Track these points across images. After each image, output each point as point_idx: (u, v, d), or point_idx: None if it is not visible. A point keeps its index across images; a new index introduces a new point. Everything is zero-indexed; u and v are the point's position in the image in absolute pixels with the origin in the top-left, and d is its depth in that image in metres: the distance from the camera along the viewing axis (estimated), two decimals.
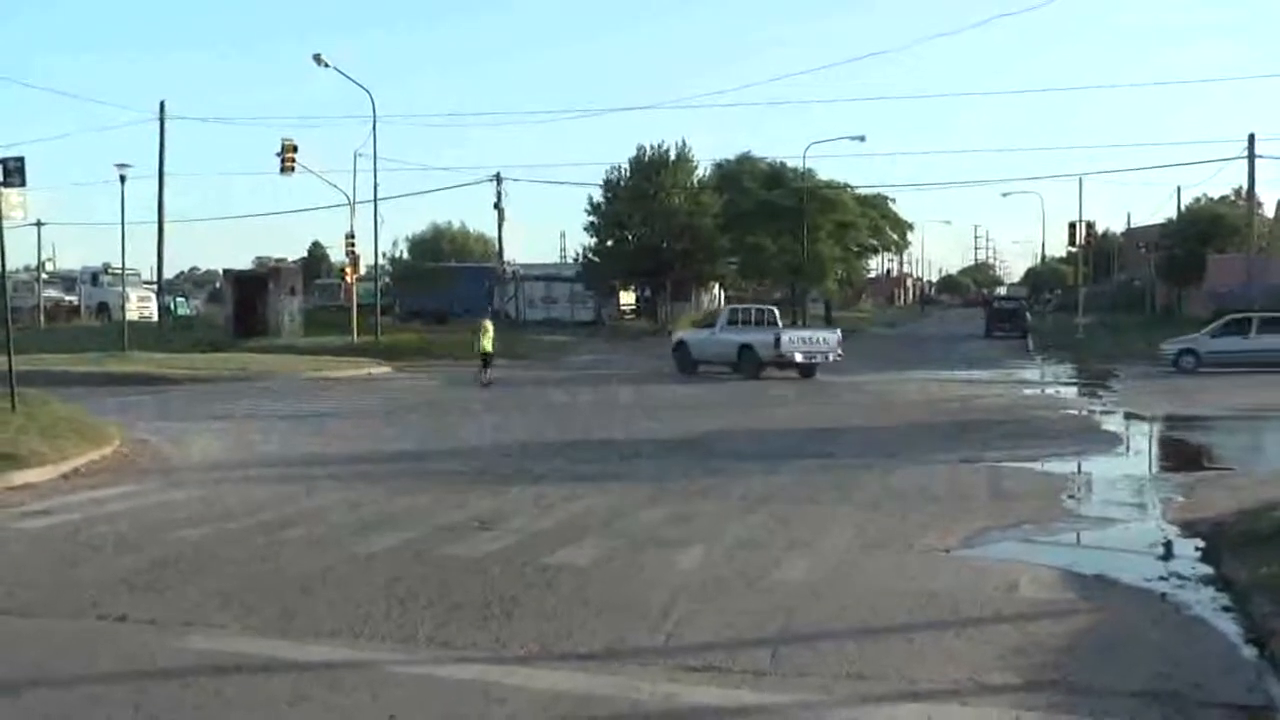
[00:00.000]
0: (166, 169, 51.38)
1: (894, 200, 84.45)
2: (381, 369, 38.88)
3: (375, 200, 51.89)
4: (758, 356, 33.89)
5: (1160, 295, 75.63)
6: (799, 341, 34.78)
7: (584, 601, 8.85)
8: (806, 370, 34.22)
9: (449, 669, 7.25)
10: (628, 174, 66.88)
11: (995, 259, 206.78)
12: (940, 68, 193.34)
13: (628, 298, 70.91)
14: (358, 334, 49.15)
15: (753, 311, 37.96)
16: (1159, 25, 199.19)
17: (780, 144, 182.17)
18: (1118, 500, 13.95)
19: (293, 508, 13.12)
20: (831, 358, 34.67)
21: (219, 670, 7.20)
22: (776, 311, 38.49)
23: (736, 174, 74.45)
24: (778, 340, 33.94)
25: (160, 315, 57.23)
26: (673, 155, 67.13)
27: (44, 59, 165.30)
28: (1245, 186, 63.22)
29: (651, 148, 67.16)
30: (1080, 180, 64.38)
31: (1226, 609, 8.76)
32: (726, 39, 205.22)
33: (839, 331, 38.15)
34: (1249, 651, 7.68)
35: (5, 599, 9.06)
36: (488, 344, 32.08)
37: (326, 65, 49.00)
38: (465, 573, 9.77)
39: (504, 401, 27.19)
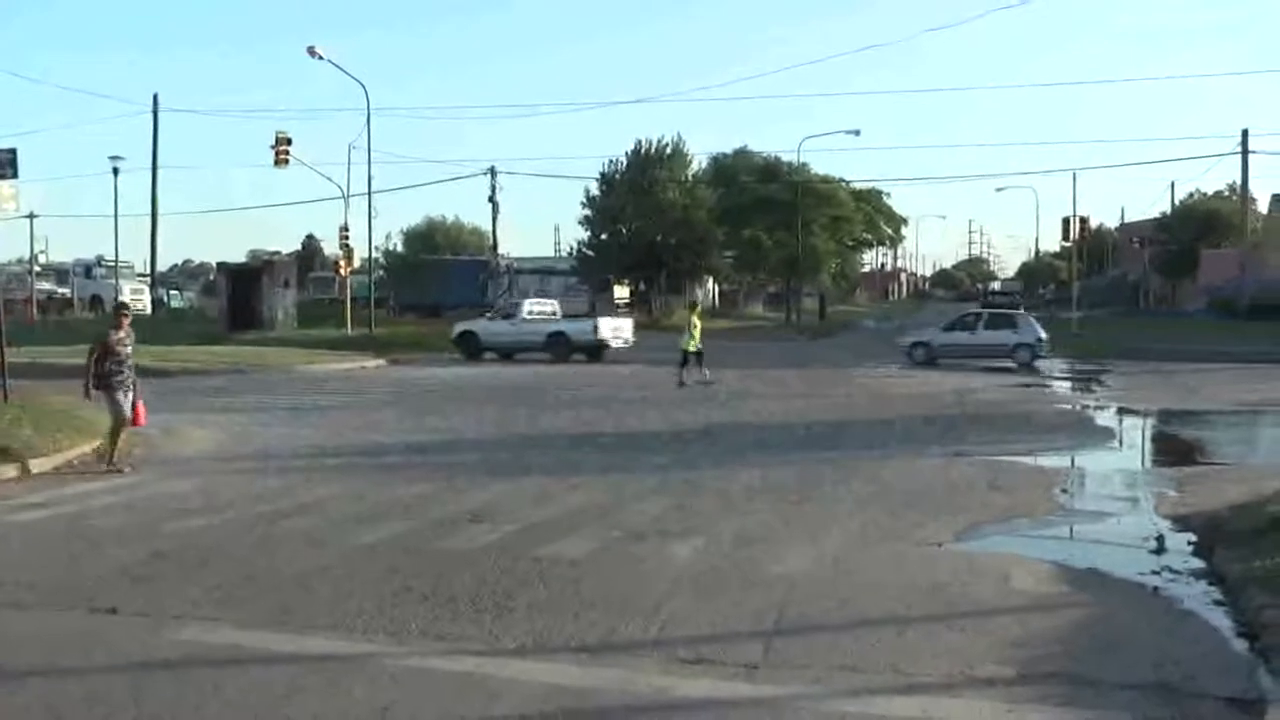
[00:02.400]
0: (160, 162, 51.44)
1: (889, 194, 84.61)
2: (376, 362, 38.84)
3: (369, 193, 51.93)
4: (571, 341, 39.25)
5: (1154, 290, 75.68)
6: (610, 328, 40.49)
7: (578, 594, 8.86)
8: (594, 352, 39.43)
9: (443, 662, 7.25)
10: (624, 168, 66.93)
11: (989, 253, 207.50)
12: (936, 64, 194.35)
13: (621, 291, 70.96)
14: (352, 327, 49.15)
15: (550, 305, 43.88)
16: (1154, 23, 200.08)
17: (777, 139, 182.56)
18: (1110, 494, 13.98)
19: (286, 500, 13.11)
20: (627, 342, 40.23)
21: (213, 663, 7.21)
22: (557, 304, 44.36)
23: (732, 168, 74.54)
24: (596, 328, 39.98)
25: (153, 308, 57.16)
26: (669, 150, 67.19)
27: (43, 56, 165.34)
28: (1238, 182, 63.38)
29: (649, 142, 67.24)
30: (1074, 175, 65.06)
31: (1219, 602, 8.78)
32: (726, 39, 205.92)
33: (631, 321, 44.09)
34: (1241, 645, 7.70)
35: None
36: (692, 341, 29.33)
37: (321, 58, 48.97)
38: (459, 566, 9.77)
39: (499, 394, 27.16)
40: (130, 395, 15.59)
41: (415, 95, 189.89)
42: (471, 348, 40.56)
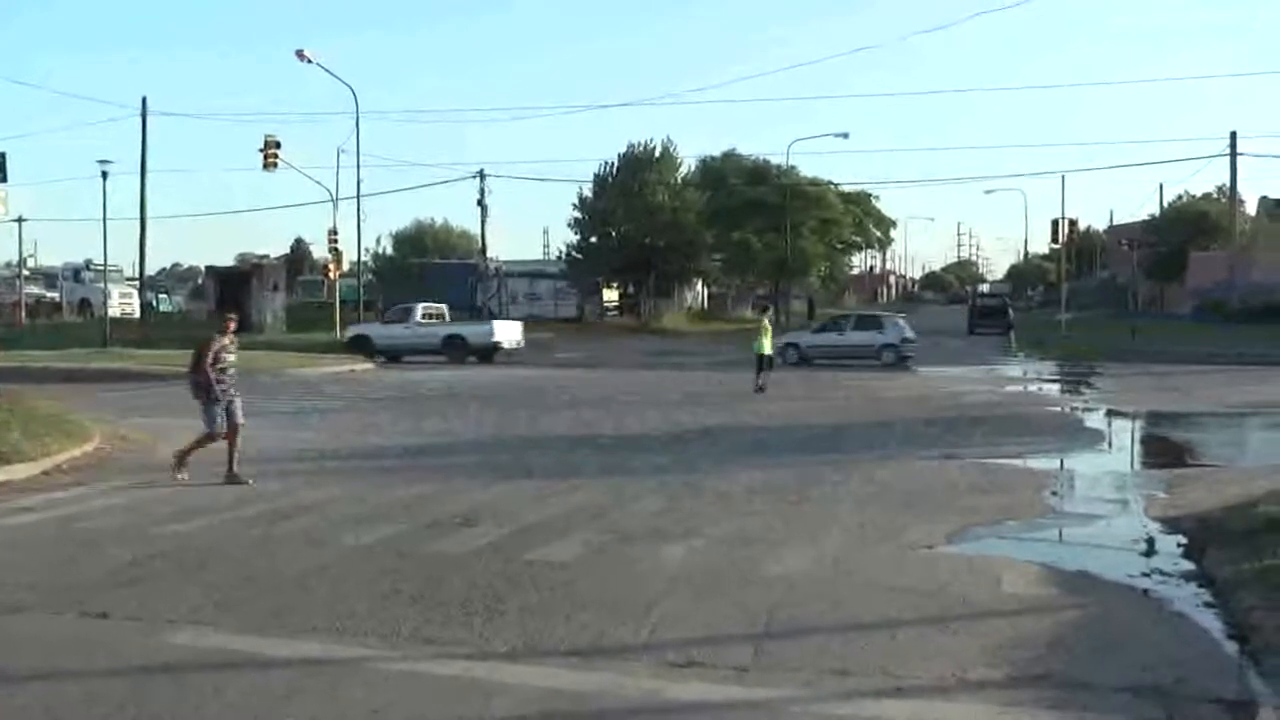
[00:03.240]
0: (150, 166, 51.28)
1: (878, 197, 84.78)
2: (364, 365, 38.82)
3: (358, 196, 51.95)
4: (468, 344, 40.90)
5: (1143, 292, 75.82)
6: (505, 331, 42.52)
7: (569, 597, 8.85)
8: (488, 354, 40.81)
9: (433, 666, 7.24)
10: (615, 171, 67.01)
11: (978, 256, 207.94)
12: (925, 67, 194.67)
13: (611, 294, 70.99)
14: (341, 330, 49.07)
15: (440, 309, 45.08)
16: (1143, 26, 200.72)
17: (769, 141, 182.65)
18: (1101, 496, 14.00)
19: (276, 503, 13.08)
20: (519, 345, 42.62)
21: (206, 667, 7.19)
22: (445, 308, 45.63)
23: (721, 171, 74.63)
24: (492, 330, 41.99)
25: (142, 312, 57.04)
26: (658, 153, 67.24)
27: (39, 58, 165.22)
28: (1227, 184, 63.55)
29: (639, 145, 67.32)
30: (1063, 178, 65.09)
31: (1209, 604, 8.80)
32: (725, 39, 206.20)
33: (520, 324, 45.42)
34: (1231, 646, 7.72)
35: None
36: (766, 345, 28.76)
37: (310, 61, 48.94)
38: (451, 569, 9.75)
39: (494, 395, 27.15)
40: (230, 406, 14.63)
41: (414, 96, 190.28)
42: (365, 351, 41.41)
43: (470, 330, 42.26)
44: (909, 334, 40.25)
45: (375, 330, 43.33)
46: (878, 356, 38.84)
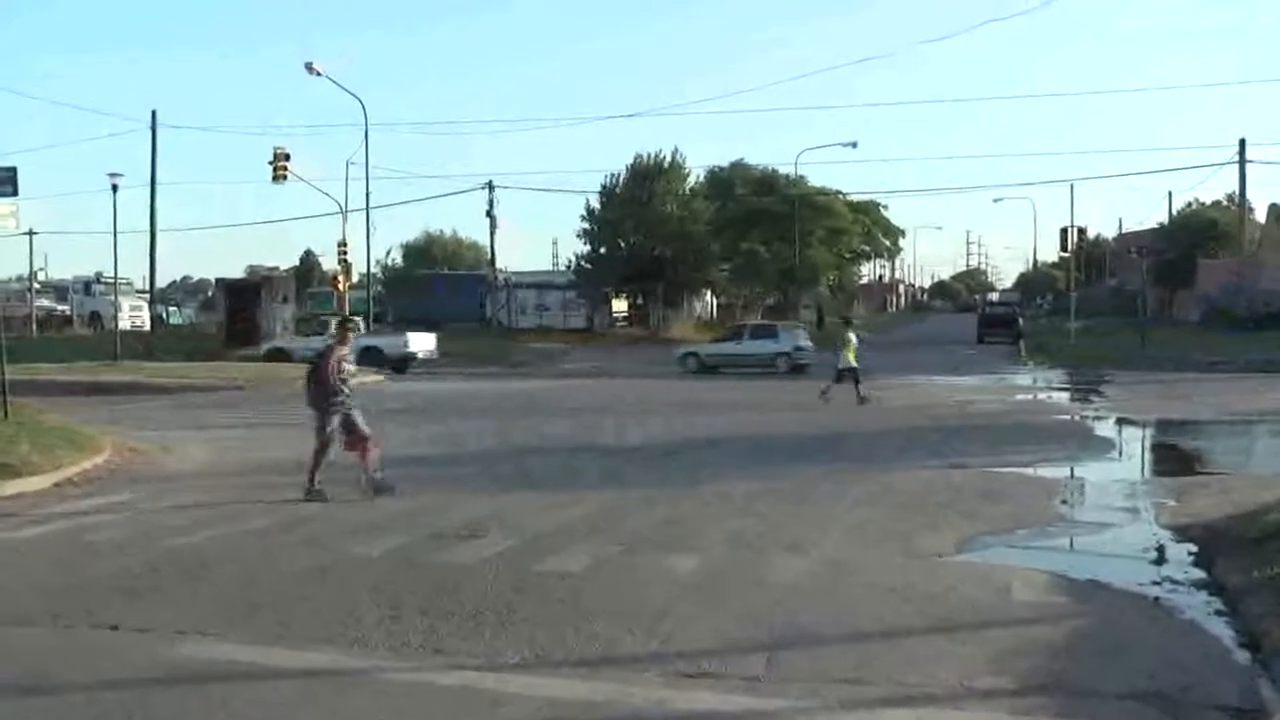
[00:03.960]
0: (159, 178, 51.40)
1: (886, 206, 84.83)
2: (374, 376, 38.80)
3: (367, 208, 52.04)
4: (384, 355, 41.43)
5: (1152, 299, 75.65)
6: (418, 343, 44.02)
7: (578, 607, 8.86)
8: (401, 365, 41.69)
9: (442, 676, 7.25)
10: (622, 182, 67.06)
11: (987, 264, 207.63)
12: (932, 75, 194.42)
13: (620, 305, 71.02)
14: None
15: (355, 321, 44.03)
16: (1150, 32, 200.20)
17: (774, 149, 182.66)
18: (1110, 505, 13.97)
19: (286, 514, 13.10)
20: (432, 355, 44.05)
21: (215, 678, 7.20)
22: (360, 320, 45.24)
23: (729, 181, 74.69)
24: (406, 342, 43.36)
25: (153, 324, 57.13)
26: (666, 163, 67.30)
27: (38, 60, 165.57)
28: (1236, 191, 63.44)
29: (648, 156, 67.37)
30: (1072, 186, 64.75)
31: (1219, 613, 8.78)
32: (725, 41, 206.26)
33: (434, 336, 46.58)
34: (1242, 655, 7.70)
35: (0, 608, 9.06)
36: (851, 356, 28.50)
37: (319, 74, 49.01)
38: (459, 579, 9.76)
39: (496, 406, 27.17)
40: (349, 416, 14.19)
41: (414, 98, 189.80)
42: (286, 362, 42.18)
43: (385, 342, 43.34)
44: (802, 343, 41.58)
45: (294, 343, 43.99)
46: (773, 364, 40.10)
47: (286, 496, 14.23)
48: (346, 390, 14.20)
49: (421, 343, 44.22)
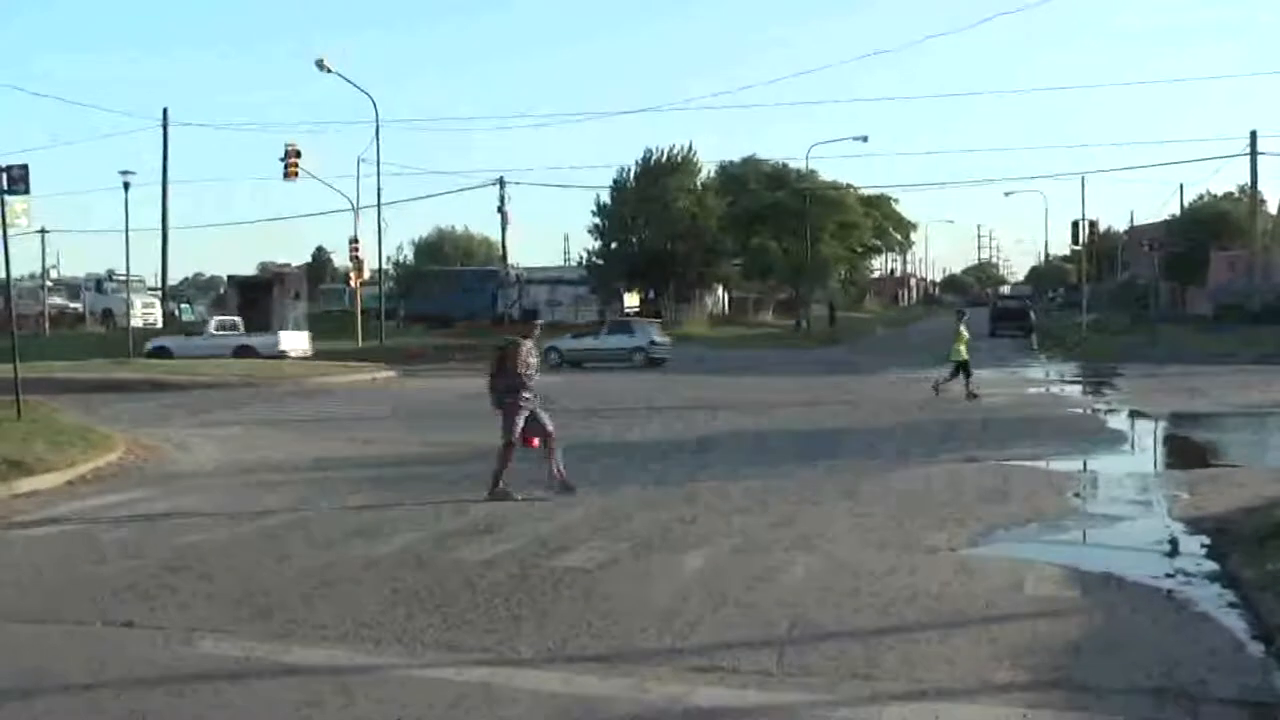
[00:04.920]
0: (170, 175, 51.52)
1: (897, 200, 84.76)
2: (387, 373, 38.90)
3: (379, 205, 52.07)
4: (258, 354, 42.54)
5: (1164, 293, 75.46)
6: (290, 341, 45.06)
7: (590, 603, 8.87)
8: (280, 356, 42.79)
9: (457, 672, 7.25)
10: (634, 177, 67.08)
11: (998, 258, 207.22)
12: (942, 68, 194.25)
13: (632, 300, 71.02)
14: (363, 339, 49.22)
15: (234, 320, 47.75)
16: (1160, 24, 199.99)
17: (784, 145, 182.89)
18: (1123, 498, 13.94)
19: (299, 512, 13.13)
20: (306, 353, 44.68)
21: (229, 675, 7.22)
22: (240, 320, 48.23)
23: (741, 176, 74.63)
24: (279, 340, 44.40)
25: (165, 322, 57.27)
26: (679, 159, 67.29)
27: (44, 59, 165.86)
28: (1248, 184, 63.26)
29: (658, 151, 67.37)
30: (1083, 179, 64.37)
31: (1233, 605, 8.75)
32: (728, 38, 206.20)
33: (307, 334, 47.58)
34: (1255, 648, 7.68)
35: (12, 605, 9.09)
36: (963, 349, 27.95)
37: (329, 71, 49.06)
38: (471, 576, 9.78)
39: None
40: (534, 414, 13.75)
41: (416, 96, 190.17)
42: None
43: (259, 341, 44.56)
44: (657, 338, 43.24)
45: (175, 342, 45.21)
46: (629, 358, 41.74)
47: (299, 493, 14.25)
48: (531, 387, 13.77)
49: (294, 341, 45.44)
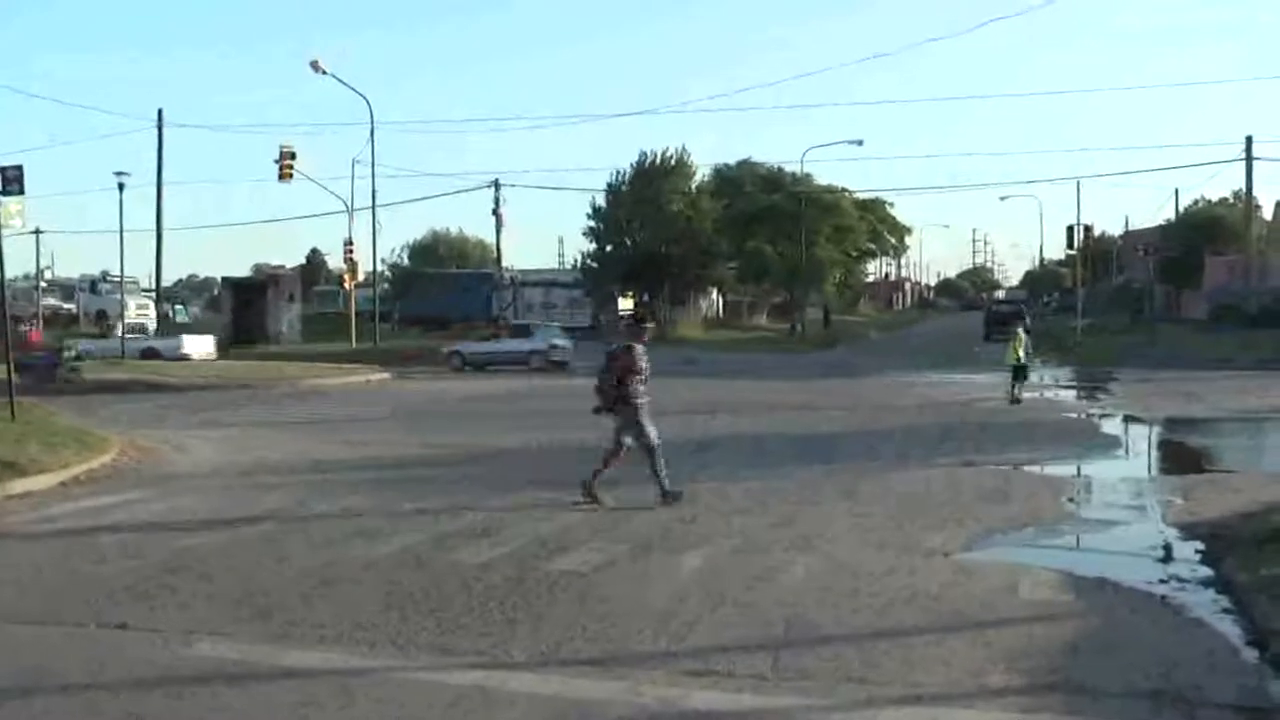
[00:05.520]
0: (165, 176, 51.46)
1: (892, 204, 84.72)
2: (381, 375, 38.90)
3: (374, 207, 52.05)
4: (162, 356, 42.83)
5: (1159, 297, 75.54)
6: (193, 345, 45.17)
7: (586, 606, 8.87)
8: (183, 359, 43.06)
9: (452, 675, 7.25)
10: (629, 179, 67.06)
11: (993, 262, 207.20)
12: (937, 72, 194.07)
13: (626, 303, 71.00)
14: (357, 340, 49.22)
15: (141, 323, 49.34)
16: (1155, 27, 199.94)
17: (780, 148, 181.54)
18: (1117, 503, 13.96)
19: (294, 514, 13.13)
20: (210, 356, 44.71)
21: (224, 677, 7.21)
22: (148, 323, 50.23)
23: (736, 179, 74.61)
24: (181, 344, 44.63)
25: (159, 323, 57.21)
26: (673, 161, 67.27)
27: (43, 59, 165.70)
28: (1243, 188, 63.32)
29: (653, 153, 67.35)
30: (1078, 184, 64.63)
31: (1227, 611, 8.76)
32: (725, 39, 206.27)
33: (212, 338, 47.66)
34: (1250, 653, 7.69)
35: (8, 607, 9.07)
36: (1020, 354, 27.96)
37: (325, 73, 49.05)
38: (467, 579, 9.77)
39: (504, 406, 27.19)
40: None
41: (414, 96, 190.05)
42: None
43: (163, 344, 45.32)
44: (557, 341, 44.15)
45: (94, 345, 45.20)
46: (527, 361, 42.42)
47: (295, 495, 14.25)
48: (643, 392, 13.46)
49: (198, 345, 45.65)
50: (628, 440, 13.49)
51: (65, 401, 24.86)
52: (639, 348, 13.61)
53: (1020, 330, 29.04)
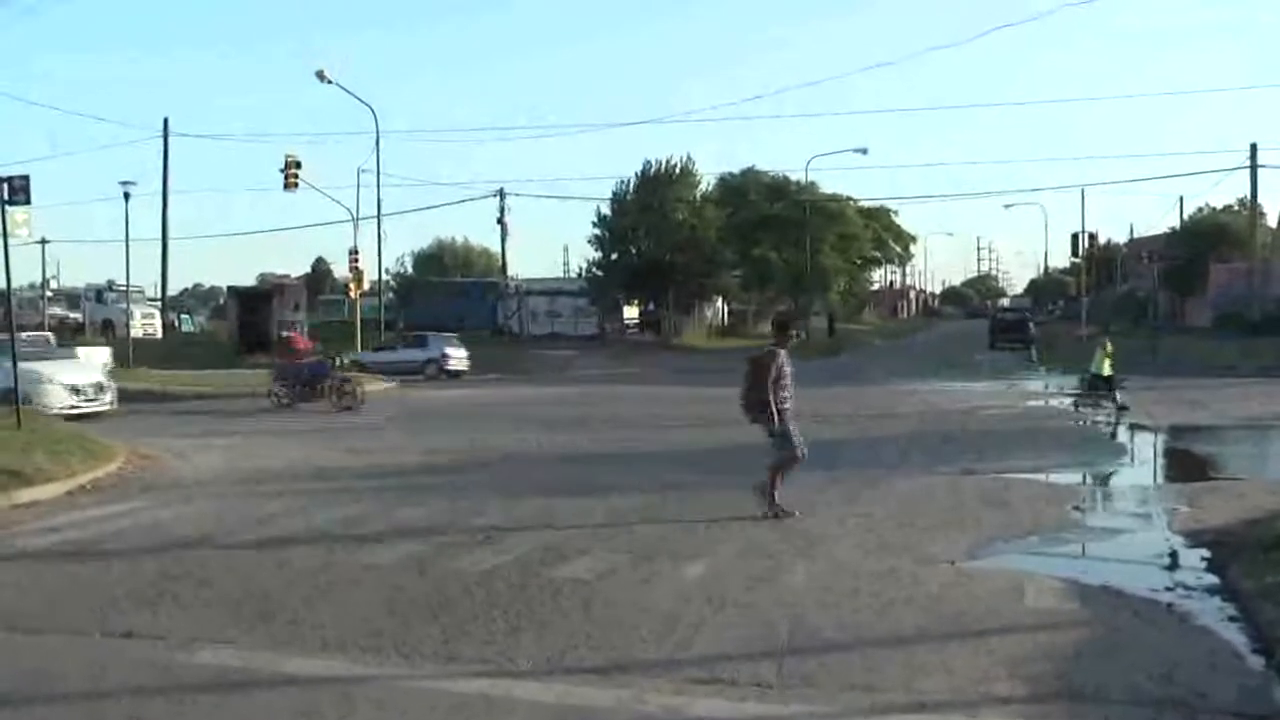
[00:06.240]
0: (170, 185, 51.54)
1: (896, 212, 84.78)
2: (386, 384, 38.89)
3: (379, 216, 52.08)
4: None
5: (1163, 304, 75.47)
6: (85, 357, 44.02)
7: (590, 614, 8.86)
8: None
9: (456, 683, 7.26)
10: (633, 188, 67.11)
11: (998, 270, 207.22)
12: (941, 79, 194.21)
13: (631, 311, 71.02)
14: (362, 349, 49.21)
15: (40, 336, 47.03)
16: (1158, 32, 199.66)
17: (784, 156, 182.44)
18: (1123, 510, 13.96)
19: (298, 522, 13.13)
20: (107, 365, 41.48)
21: (227, 686, 7.22)
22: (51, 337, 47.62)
23: (741, 187, 74.65)
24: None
25: (164, 332, 57.27)
26: (677, 170, 67.32)
27: (43, 59, 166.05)
28: (1248, 196, 63.31)
29: (657, 162, 67.42)
30: (1083, 191, 64.56)
31: (1233, 618, 8.75)
32: (727, 40, 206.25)
33: (109, 350, 43.07)
34: (1255, 660, 7.68)
35: (11, 615, 9.07)
36: (1105, 365, 27.65)
37: (330, 82, 49.09)
38: (470, 586, 9.78)
39: (508, 414, 27.19)
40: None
41: (416, 98, 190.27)
42: None
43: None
44: (449, 351, 45.15)
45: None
46: (422, 370, 43.31)
47: (298, 503, 14.25)
48: (789, 398, 13.18)
49: (93, 359, 45.27)
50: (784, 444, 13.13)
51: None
52: (782, 353, 13.30)
53: (1105, 339, 28.81)
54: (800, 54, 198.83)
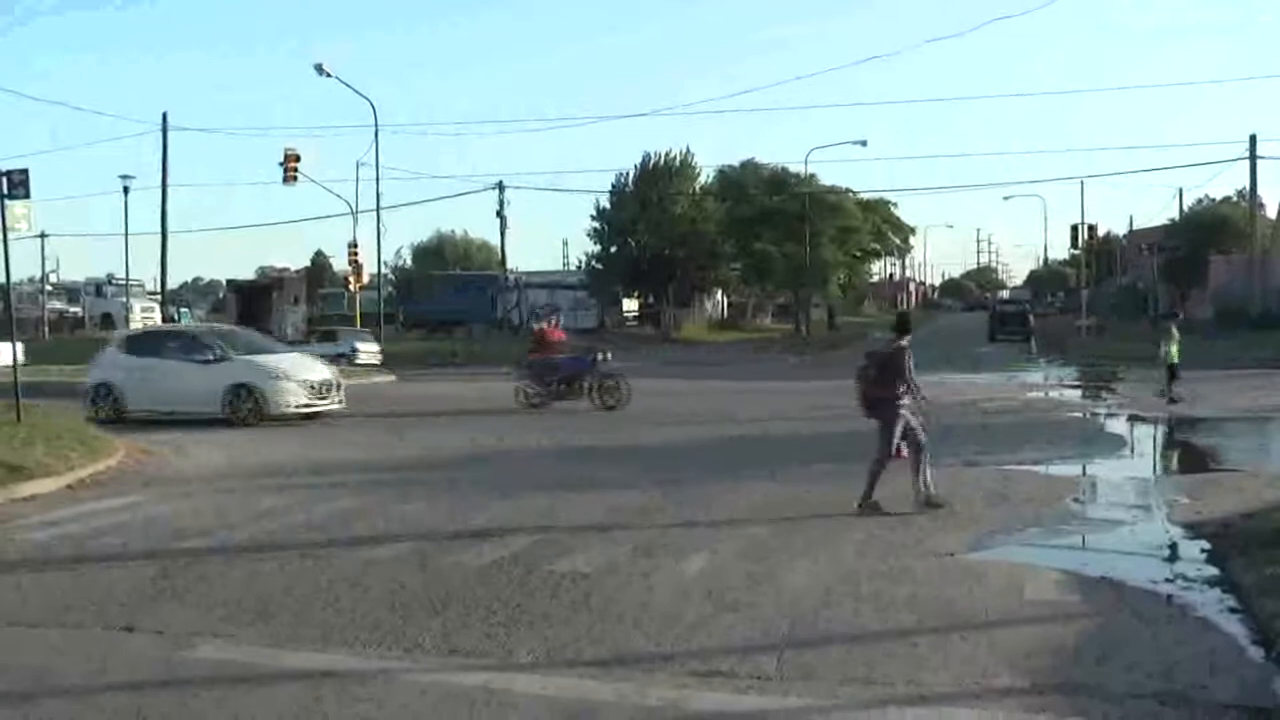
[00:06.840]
0: (170, 179, 51.45)
1: (896, 204, 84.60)
2: (386, 378, 38.90)
3: (378, 209, 52.06)
4: None
5: (1163, 297, 75.43)
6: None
7: (590, 607, 8.87)
8: None
9: (456, 676, 7.26)
10: (632, 181, 67.10)
11: (998, 262, 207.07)
12: (940, 71, 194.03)
13: (631, 304, 71.02)
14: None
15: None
16: (1158, 25, 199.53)
17: (783, 149, 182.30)
18: (1122, 502, 13.93)
19: (297, 516, 13.14)
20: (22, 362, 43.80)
21: (229, 680, 7.23)
22: None
23: (740, 180, 74.55)
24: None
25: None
26: (677, 163, 67.29)
27: (43, 58, 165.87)
28: (1247, 188, 63.29)
29: (657, 155, 67.38)
30: (1082, 183, 64.36)
31: (1233, 610, 8.75)
32: (726, 38, 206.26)
33: (22, 345, 46.64)
34: (1256, 653, 7.68)
35: (12, 610, 9.09)
36: (1175, 353, 27.40)
37: (328, 75, 49.07)
38: (471, 580, 9.78)
39: (516, 411, 27.14)
40: (908, 423, 13.02)
41: (415, 95, 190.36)
42: None
43: None
44: (358, 344, 45.43)
45: None
46: (336, 364, 41.75)
47: (298, 497, 14.25)
48: (913, 392, 13.08)
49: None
50: (900, 439, 12.99)
51: (70, 404, 24.66)
52: (907, 348, 13.13)
53: (1173, 328, 28.64)
54: (800, 53, 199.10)
